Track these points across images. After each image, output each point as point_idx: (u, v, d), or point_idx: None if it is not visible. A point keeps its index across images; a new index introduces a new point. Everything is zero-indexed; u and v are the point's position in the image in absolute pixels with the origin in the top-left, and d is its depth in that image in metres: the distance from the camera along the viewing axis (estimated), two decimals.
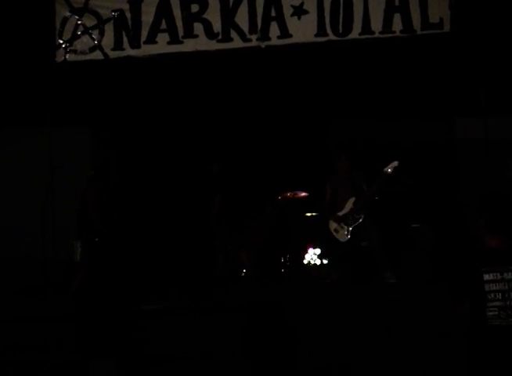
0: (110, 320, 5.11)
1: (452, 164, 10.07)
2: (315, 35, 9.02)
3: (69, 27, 9.21)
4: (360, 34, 8.97)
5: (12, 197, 9.88)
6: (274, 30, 9.02)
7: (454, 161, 10.09)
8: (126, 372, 5.07)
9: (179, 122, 10.11)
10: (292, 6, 9.00)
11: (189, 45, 9.12)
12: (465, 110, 9.54)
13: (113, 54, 9.19)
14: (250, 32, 9.04)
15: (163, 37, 9.12)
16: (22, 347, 6.88)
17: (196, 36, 9.10)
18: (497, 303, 4.07)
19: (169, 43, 9.12)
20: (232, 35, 9.05)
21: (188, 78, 9.64)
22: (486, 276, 4.10)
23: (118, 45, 9.17)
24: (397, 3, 8.89)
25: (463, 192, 9.75)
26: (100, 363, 5.04)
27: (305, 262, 9.40)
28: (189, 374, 6.09)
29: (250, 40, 9.05)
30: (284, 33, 9.01)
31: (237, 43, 9.06)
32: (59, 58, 9.22)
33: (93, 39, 9.18)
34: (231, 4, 9.05)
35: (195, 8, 9.11)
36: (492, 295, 4.08)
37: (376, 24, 8.94)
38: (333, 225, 8.80)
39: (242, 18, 9.04)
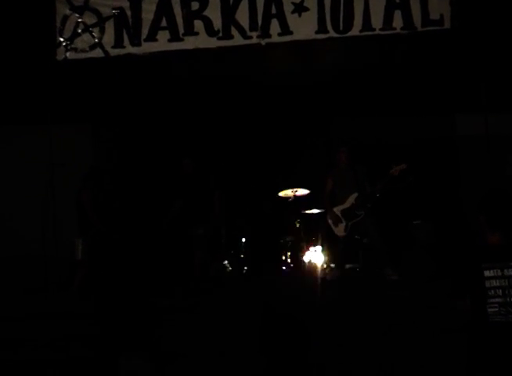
0: (137, 314, 5.13)
1: (453, 160, 10.07)
2: (316, 32, 9.01)
3: (69, 25, 9.20)
4: (361, 31, 8.97)
5: (13, 194, 9.89)
6: (274, 27, 9.01)
7: (455, 158, 10.09)
8: (156, 365, 5.09)
9: (180, 120, 10.10)
10: (292, 3, 9.00)
11: (189, 43, 9.11)
12: (466, 106, 9.54)
13: (113, 52, 9.18)
14: (251, 29, 9.03)
15: (163, 35, 9.11)
16: (24, 344, 6.90)
17: (197, 33, 9.09)
18: (498, 299, 4.07)
19: (169, 40, 9.12)
20: (232, 32, 9.04)
21: (188, 76, 9.63)
22: (487, 273, 4.10)
23: (119, 43, 9.17)
24: (397, 0, 8.87)
25: (463, 188, 9.75)
26: (130, 357, 5.05)
27: (306, 259, 9.39)
28: (199, 371, 6.13)
29: (250, 37, 9.04)
30: (285, 30, 9.00)
31: (238, 40, 9.05)
32: (60, 56, 9.22)
33: (93, 37, 9.18)
34: (231, 1, 9.04)
35: (195, 5, 9.10)
36: (493, 292, 4.08)
37: (377, 21, 8.93)
38: (332, 218, 8.81)
39: (242, 15, 9.03)
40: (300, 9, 9.00)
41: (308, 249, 9.43)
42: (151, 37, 9.12)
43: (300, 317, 3.51)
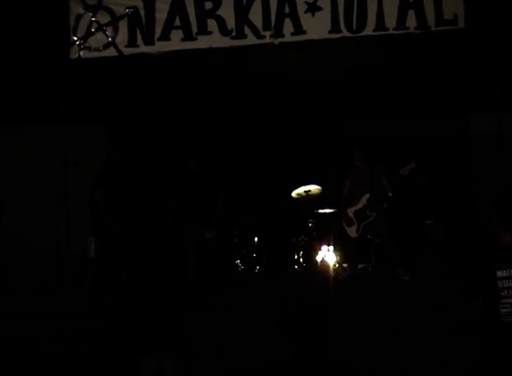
0: (165, 313, 5.16)
1: (467, 160, 10.04)
2: (329, 32, 8.98)
3: (83, 24, 9.23)
4: (374, 31, 8.94)
5: (27, 193, 9.94)
6: (288, 26, 9.00)
7: (468, 157, 10.05)
8: (183, 363, 5.12)
9: (193, 119, 10.12)
10: (306, 3, 8.98)
11: (202, 42, 9.11)
12: (479, 105, 9.51)
13: (127, 51, 9.20)
14: (264, 29, 9.02)
15: (177, 34, 9.12)
16: (36, 342, 6.94)
17: (210, 33, 9.09)
18: (510, 300, 4.05)
19: (183, 40, 9.12)
20: (245, 32, 9.04)
21: (202, 75, 9.64)
22: (499, 273, 4.08)
23: (132, 42, 9.18)
24: None
25: (477, 188, 9.72)
26: (157, 356, 5.08)
27: (319, 258, 9.38)
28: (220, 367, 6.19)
29: (264, 36, 9.03)
30: (298, 29, 8.99)
31: (251, 40, 9.04)
32: (74, 55, 9.24)
33: (107, 36, 9.19)
34: (245, 1, 9.04)
35: (208, 5, 9.10)
36: (505, 292, 4.06)
37: (391, 20, 8.90)
38: (345, 219, 8.81)
39: (256, 15, 9.03)
40: (313, 8, 8.99)
41: (321, 249, 9.44)
42: (164, 36, 9.13)
43: (320, 308, 3.53)
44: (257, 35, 9.04)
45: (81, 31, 9.24)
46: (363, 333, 6.49)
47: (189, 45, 9.11)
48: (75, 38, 9.24)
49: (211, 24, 9.09)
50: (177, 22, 9.12)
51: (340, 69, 9.50)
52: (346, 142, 10.03)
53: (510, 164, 8.69)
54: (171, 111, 10.13)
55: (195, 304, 7.60)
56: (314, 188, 9.71)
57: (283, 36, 9.02)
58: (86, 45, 9.23)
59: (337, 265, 9.27)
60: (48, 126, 9.82)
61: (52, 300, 8.48)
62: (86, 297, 8.41)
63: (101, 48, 9.22)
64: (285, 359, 5.31)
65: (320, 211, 9.71)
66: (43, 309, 7.92)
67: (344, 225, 8.82)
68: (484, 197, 8.74)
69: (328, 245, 9.44)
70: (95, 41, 9.24)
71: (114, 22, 9.22)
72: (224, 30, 9.06)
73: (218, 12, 9.09)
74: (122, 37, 9.21)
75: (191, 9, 9.12)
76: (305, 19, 9.00)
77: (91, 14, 9.23)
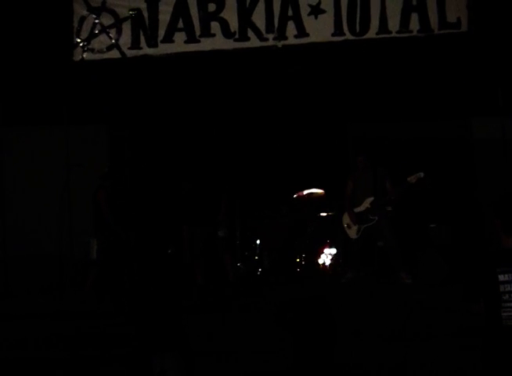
0: (167, 314, 5.16)
1: (470, 163, 10.03)
2: (332, 35, 8.99)
3: (86, 26, 9.25)
4: (377, 34, 8.94)
5: (30, 194, 9.93)
6: (291, 29, 9.01)
7: (471, 161, 10.04)
8: (186, 364, 5.12)
9: (195, 122, 10.12)
10: (309, 5, 8.99)
11: (206, 44, 9.12)
12: (482, 109, 9.49)
13: (130, 53, 9.22)
14: (267, 31, 9.03)
15: (180, 36, 9.13)
16: (36, 343, 6.95)
17: (213, 35, 9.10)
18: None
19: (186, 42, 9.14)
20: (249, 34, 9.05)
21: (205, 77, 9.65)
22: (501, 277, 4.07)
23: (135, 44, 9.20)
24: (414, 2, 8.84)
25: (480, 192, 9.70)
26: (162, 357, 5.09)
27: (321, 261, 9.38)
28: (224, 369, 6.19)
29: (266, 39, 9.04)
30: (301, 32, 9.00)
31: (254, 42, 9.05)
32: (77, 57, 9.27)
33: (110, 38, 9.22)
34: (248, 3, 9.05)
35: (212, 7, 9.11)
36: (507, 296, 4.05)
37: (394, 24, 8.90)
38: (345, 220, 8.81)
39: (259, 17, 9.04)
40: (316, 11, 8.99)
41: (323, 251, 9.43)
42: (168, 38, 9.15)
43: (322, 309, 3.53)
44: (261, 38, 9.05)
45: (85, 33, 9.27)
46: (365, 335, 6.49)
47: (192, 48, 9.13)
48: (79, 40, 9.27)
49: (215, 27, 9.10)
50: (180, 24, 9.14)
51: (343, 72, 9.51)
52: (350, 145, 10.03)
53: None
54: (173, 113, 10.13)
55: (196, 305, 7.63)
56: (316, 191, 9.72)
57: (286, 39, 9.02)
58: (89, 46, 9.26)
59: (339, 268, 9.26)
60: (51, 128, 9.83)
61: (54, 301, 8.49)
62: (87, 299, 8.41)
63: (104, 49, 9.25)
64: (286, 361, 5.30)
65: (322, 214, 9.70)
66: (44, 310, 7.94)
67: (345, 226, 8.82)
68: (487, 200, 8.73)
69: (330, 248, 9.43)
70: (99, 43, 9.26)
71: (118, 24, 9.24)
72: (227, 33, 9.07)
73: (221, 15, 9.10)
74: (125, 39, 9.23)
75: (194, 12, 9.13)
76: (308, 22, 9.01)
77: (94, 16, 9.26)
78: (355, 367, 6.01)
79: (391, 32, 8.92)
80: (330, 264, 9.38)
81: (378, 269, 9.14)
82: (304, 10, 9.00)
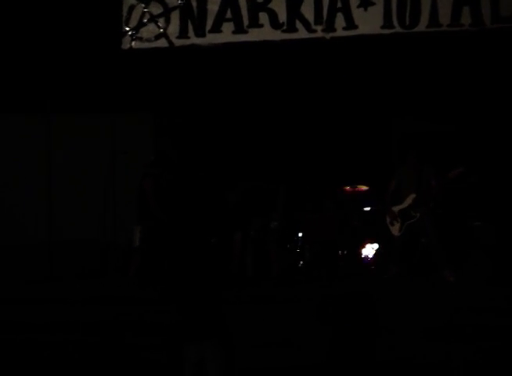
0: (209, 302, 5.19)
1: None
2: (381, 27, 8.86)
3: (135, 15, 9.28)
4: (427, 27, 8.79)
5: (76, 181, 10.06)
6: (340, 21, 8.91)
7: None
8: (226, 354, 5.14)
9: (242, 112, 10.13)
10: None
11: (253, 35, 9.08)
12: None
13: (178, 42, 9.22)
14: (316, 23, 8.94)
15: (228, 27, 9.10)
16: (78, 327, 7.05)
17: (261, 26, 9.04)
18: None
19: (234, 32, 9.10)
20: (297, 26, 8.97)
21: (252, 68, 9.64)
22: None
23: (183, 34, 9.20)
24: None
25: None
26: (201, 345, 5.12)
27: (363, 256, 9.32)
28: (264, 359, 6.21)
29: (315, 31, 8.96)
30: (350, 24, 8.89)
31: (302, 33, 8.97)
32: (125, 45, 9.30)
33: (159, 27, 9.23)
34: None
35: None
36: None
37: (445, 17, 8.74)
38: (389, 217, 8.75)
39: (307, 8, 8.96)
40: (366, 3, 8.87)
41: (365, 246, 9.37)
42: (216, 28, 9.13)
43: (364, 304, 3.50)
44: (309, 29, 8.96)
45: (134, 22, 9.29)
46: (406, 332, 6.44)
47: (240, 38, 9.10)
48: (127, 29, 9.30)
49: (263, 17, 9.04)
50: (228, 14, 9.10)
51: (391, 65, 9.41)
52: (395, 140, 9.94)
53: None
54: (220, 103, 10.15)
55: (238, 295, 7.63)
56: (361, 186, 9.67)
57: (334, 30, 8.94)
58: (138, 35, 9.28)
59: (381, 264, 9.19)
60: (98, 115, 9.94)
61: (97, 286, 8.60)
62: (129, 285, 8.49)
63: (152, 38, 9.26)
64: (324, 355, 5.29)
65: (366, 208, 9.64)
66: (87, 295, 8.05)
67: (388, 222, 8.76)
68: None
69: (372, 243, 9.37)
70: (147, 31, 9.28)
71: (166, 13, 9.24)
72: (275, 24, 9.01)
73: (269, 6, 9.04)
74: (174, 28, 9.23)
75: (243, 2, 9.08)
76: (357, 14, 8.89)
77: (143, 5, 9.28)
78: (395, 364, 5.98)
79: (441, 25, 8.75)
80: (373, 259, 9.31)
81: (421, 265, 9.04)
82: (354, 2, 8.89)
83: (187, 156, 10.40)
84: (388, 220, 8.79)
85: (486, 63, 9.16)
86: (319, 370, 5.52)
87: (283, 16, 9.01)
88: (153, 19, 9.26)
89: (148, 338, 6.84)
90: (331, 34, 8.94)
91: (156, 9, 9.28)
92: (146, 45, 9.28)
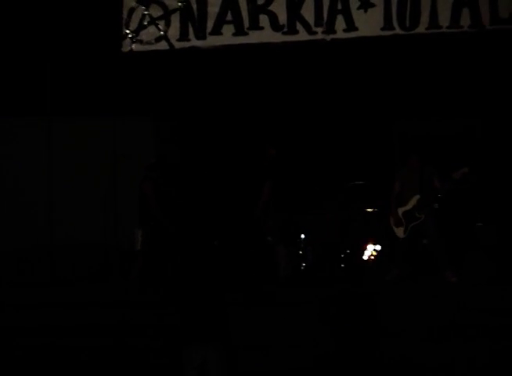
0: (210, 306, 5.19)
1: None
2: (382, 29, 8.90)
3: (135, 18, 9.29)
4: (427, 29, 8.82)
5: (77, 184, 10.04)
6: (340, 23, 8.93)
7: None
8: (227, 357, 5.14)
9: (242, 113, 10.13)
10: None
11: (254, 37, 9.10)
12: None
13: (178, 44, 9.24)
14: (316, 25, 8.97)
15: (228, 29, 9.13)
16: (80, 331, 7.04)
17: (262, 28, 9.07)
18: None
19: (234, 35, 9.13)
20: (297, 28, 9.00)
21: (253, 70, 9.65)
22: None
23: (184, 36, 9.22)
24: None
25: None
26: (201, 347, 5.11)
27: (365, 258, 9.32)
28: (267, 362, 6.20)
29: (315, 33, 8.98)
30: (350, 26, 8.92)
31: (303, 36, 9.00)
32: (126, 48, 9.32)
33: (159, 29, 9.25)
34: None
35: (261, 0, 9.09)
36: None
37: (444, 19, 8.77)
38: (393, 219, 8.74)
39: (308, 10, 8.98)
40: (366, 5, 8.90)
41: (367, 248, 9.37)
42: (216, 30, 9.14)
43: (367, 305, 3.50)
44: (309, 31, 9.00)
45: (134, 24, 9.31)
46: (409, 333, 6.44)
47: (240, 40, 9.12)
48: (128, 31, 9.32)
49: (263, 19, 9.07)
50: (229, 16, 9.13)
51: (391, 67, 9.43)
52: (396, 141, 9.94)
53: None
54: (220, 105, 10.15)
55: (240, 298, 7.62)
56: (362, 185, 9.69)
57: (334, 32, 8.95)
58: (138, 38, 9.30)
59: (384, 265, 9.19)
60: (99, 118, 9.93)
61: (99, 290, 8.59)
62: (131, 288, 8.48)
63: (153, 41, 9.28)
64: (326, 356, 5.30)
65: (368, 209, 9.64)
66: (89, 299, 8.04)
67: (393, 225, 8.75)
68: None
69: (374, 244, 9.37)
70: (147, 34, 9.30)
71: (166, 15, 9.27)
72: (276, 26, 9.04)
73: (270, 8, 9.07)
74: (174, 30, 9.25)
75: (243, 4, 9.11)
76: (358, 16, 8.92)
77: (143, 7, 9.30)
78: (398, 365, 5.97)
79: (441, 27, 8.79)
80: (375, 260, 9.30)
81: (423, 266, 9.04)
82: (354, 4, 8.92)
83: (187, 159, 10.39)
84: (393, 222, 8.78)
85: (486, 64, 9.17)
86: (322, 372, 5.53)
87: (283, 18, 9.04)
88: (154, 21, 9.28)
89: (150, 341, 6.83)
90: (331, 36, 8.97)
91: (156, 12, 9.30)
92: (146, 47, 9.30)
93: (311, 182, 9.91)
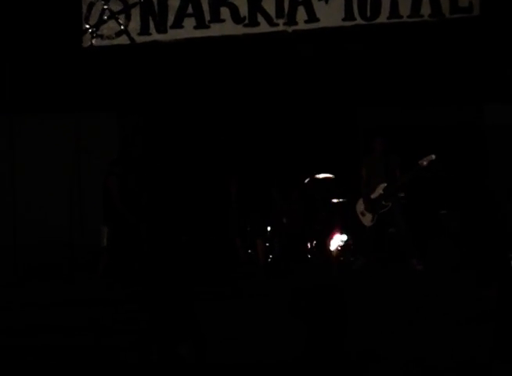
0: (181, 303, 5.15)
1: (481, 149, 9.97)
2: (343, 19, 8.91)
3: (95, 12, 9.21)
4: (388, 18, 8.85)
5: (40, 181, 9.95)
6: (301, 14, 8.93)
7: (483, 147, 9.98)
8: (197, 351, 5.11)
9: (205, 107, 10.10)
10: None
11: (215, 30, 9.07)
12: (494, 95, 9.42)
13: (139, 39, 9.18)
14: (277, 16, 8.96)
15: (189, 22, 9.08)
16: (48, 330, 6.96)
17: (223, 20, 9.04)
18: None
19: (195, 28, 9.08)
20: (258, 19, 8.98)
21: (214, 63, 9.62)
22: None
23: (144, 30, 9.16)
24: None
25: (491, 178, 9.65)
26: (166, 344, 5.09)
27: (331, 248, 9.36)
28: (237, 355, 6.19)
29: (277, 24, 8.97)
30: (311, 17, 8.92)
31: (264, 27, 8.99)
32: (86, 43, 9.24)
33: (119, 24, 9.17)
34: None
35: None
36: None
37: (405, 8, 8.81)
38: (360, 207, 8.78)
39: (269, 2, 8.96)
40: None
41: (334, 238, 9.41)
42: (177, 24, 9.09)
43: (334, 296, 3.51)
44: (271, 23, 8.98)
45: (94, 19, 9.23)
46: (376, 322, 6.46)
47: (201, 33, 9.08)
48: (88, 26, 9.23)
49: (224, 12, 9.03)
50: (190, 9, 9.08)
51: (353, 56, 9.45)
52: (360, 130, 9.98)
53: None
54: (183, 99, 10.11)
55: (209, 292, 7.60)
56: (326, 175, 9.71)
57: (296, 24, 8.95)
58: (98, 33, 9.22)
59: (351, 254, 9.24)
60: (61, 115, 9.84)
61: (64, 289, 8.51)
62: (97, 286, 8.42)
63: (113, 36, 9.21)
64: (298, 349, 5.30)
65: (333, 200, 9.67)
66: (54, 298, 7.96)
67: (359, 213, 8.79)
68: (498, 186, 8.68)
69: (341, 234, 9.41)
70: (108, 29, 9.23)
71: (126, 10, 9.19)
72: (237, 18, 9.01)
73: (230, 0, 9.04)
74: (134, 24, 9.19)
75: None
76: (319, 7, 8.92)
77: (103, 2, 9.22)
78: (365, 355, 5.99)
79: (402, 17, 8.82)
80: (341, 250, 9.35)
81: (389, 255, 9.11)
82: None
83: (150, 154, 10.35)
84: (359, 211, 8.82)
85: (446, 53, 9.23)
86: (292, 363, 5.53)
87: (244, 11, 9.01)
88: (114, 16, 9.21)
89: (118, 338, 6.77)
90: (293, 28, 8.96)
91: (116, 6, 9.22)
92: (106, 42, 9.23)
93: (275, 174, 9.92)
